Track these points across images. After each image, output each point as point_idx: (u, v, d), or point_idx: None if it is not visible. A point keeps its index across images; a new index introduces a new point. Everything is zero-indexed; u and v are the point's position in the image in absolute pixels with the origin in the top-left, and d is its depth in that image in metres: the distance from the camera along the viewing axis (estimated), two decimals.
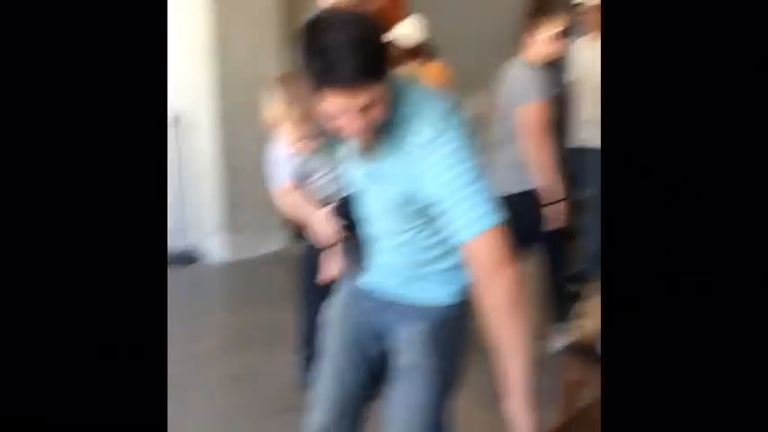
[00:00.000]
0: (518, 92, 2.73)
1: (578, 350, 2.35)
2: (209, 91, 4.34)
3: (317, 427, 1.61)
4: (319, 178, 2.35)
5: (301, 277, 2.78)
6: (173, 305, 4.07)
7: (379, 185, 1.39)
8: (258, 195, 4.51)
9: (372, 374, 1.58)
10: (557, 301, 3.02)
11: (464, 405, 1.72)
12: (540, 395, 1.28)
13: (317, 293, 2.67)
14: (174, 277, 4.37)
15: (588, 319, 2.27)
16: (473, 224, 1.24)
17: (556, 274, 3.01)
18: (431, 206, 1.31)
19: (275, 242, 4.64)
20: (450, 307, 1.46)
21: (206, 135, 4.45)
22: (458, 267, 1.42)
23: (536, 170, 2.74)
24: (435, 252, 1.43)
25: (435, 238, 1.39)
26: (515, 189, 2.73)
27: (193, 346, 3.34)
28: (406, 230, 1.42)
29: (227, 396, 2.94)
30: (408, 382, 1.49)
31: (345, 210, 2.01)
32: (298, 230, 2.53)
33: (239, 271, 4.44)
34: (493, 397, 1.30)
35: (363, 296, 1.58)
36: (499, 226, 1.25)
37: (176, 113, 4.36)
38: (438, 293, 1.47)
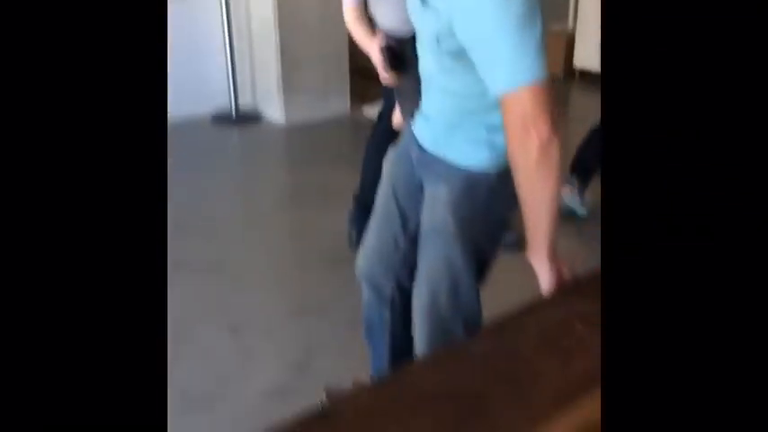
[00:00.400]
0: None
1: None
2: None
3: (360, 273, 1.72)
4: (382, 6, 2.20)
5: (371, 134, 2.82)
6: (236, 162, 4.23)
7: (427, 11, 1.31)
8: (317, 58, 4.52)
9: (407, 229, 1.61)
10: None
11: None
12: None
13: (380, 151, 2.72)
14: (237, 136, 4.51)
15: None
16: (513, 75, 1.18)
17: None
18: (469, 49, 1.23)
19: (334, 106, 4.66)
20: (483, 174, 1.43)
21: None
22: (499, 131, 1.33)
23: None
24: (475, 104, 1.38)
25: (476, 88, 1.31)
26: None
27: (253, 203, 3.50)
28: (447, 72, 1.37)
29: (283, 248, 3.11)
30: (429, 246, 1.51)
31: (400, 49, 1.99)
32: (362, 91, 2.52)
33: (298, 132, 4.52)
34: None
35: (413, 145, 1.56)
36: (541, 82, 1.18)
37: None
38: (473, 155, 1.43)
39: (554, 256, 1.32)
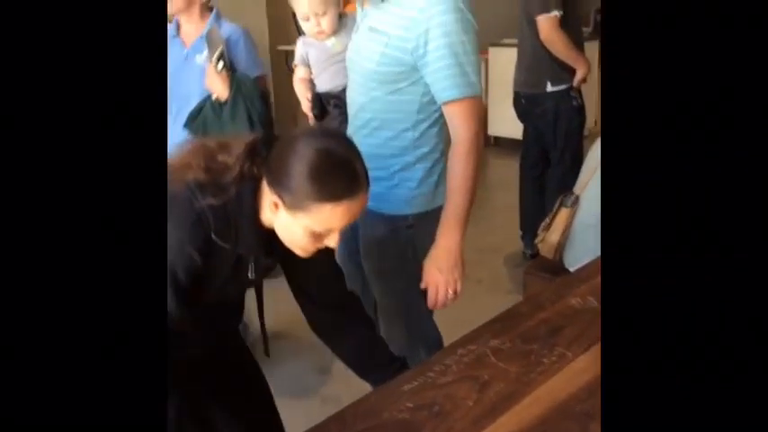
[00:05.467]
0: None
1: (540, 263, 2.59)
2: None
3: None
4: (319, 70, 2.46)
5: None
6: None
7: (373, 36, 1.53)
8: None
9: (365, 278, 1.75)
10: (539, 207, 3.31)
11: None
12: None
13: None
14: None
15: (552, 233, 2.49)
16: (458, 88, 1.46)
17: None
18: (415, 69, 1.48)
19: None
20: (400, 217, 1.60)
21: None
22: (420, 177, 1.58)
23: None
24: (393, 143, 1.57)
25: (400, 123, 1.55)
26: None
27: None
28: (375, 102, 1.56)
29: None
30: (377, 286, 1.68)
31: (326, 99, 2.33)
32: None
33: None
34: None
35: None
36: (479, 98, 1.50)
37: None
38: (388, 200, 1.59)
39: (463, 233, 1.54)
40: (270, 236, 1.18)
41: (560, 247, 2.46)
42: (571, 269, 2.31)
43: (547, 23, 2.95)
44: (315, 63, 2.47)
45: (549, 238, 2.49)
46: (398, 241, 1.61)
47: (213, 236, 1.12)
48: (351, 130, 1.67)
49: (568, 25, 3.00)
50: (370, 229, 1.64)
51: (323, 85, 2.45)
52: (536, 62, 3.11)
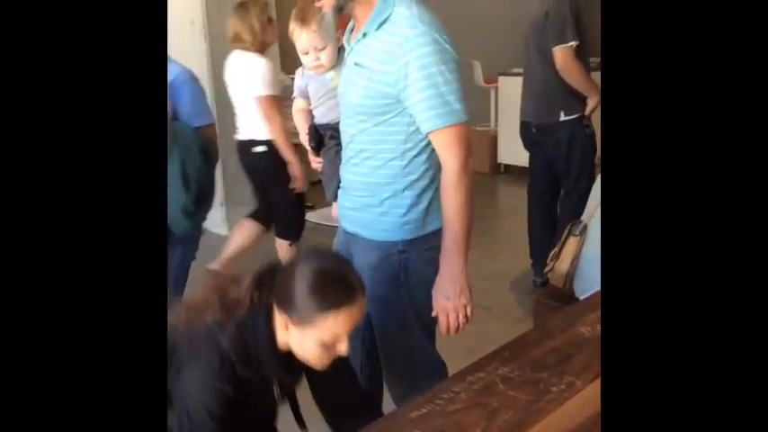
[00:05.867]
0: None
1: (550, 291, 2.59)
2: (203, 71, 4.52)
3: None
4: (318, 102, 2.52)
5: None
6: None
7: (359, 72, 1.58)
8: None
9: None
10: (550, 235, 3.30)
11: None
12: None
13: None
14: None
15: (561, 262, 2.50)
16: (439, 118, 1.50)
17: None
18: (398, 101, 1.53)
19: None
20: (391, 243, 1.64)
21: None
22: (409, 204, 1.62)
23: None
24: (384, 172, 1.61)
25: (388, 153, 1.60)
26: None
27: None
28: (364, 134, 1.61)
29: None
30: (372, 310, 1.68)
31: (323, 131, 2.36)
32: None
33: None
34: None
35: (342, 228, 1.78)
36: (463, 126, 1.53)
37: None
38: (379, 228, 1.64)
39: (463, 266, 1.57)
40: (288, 356, 1.31)
41: (570, 276, 2.46)
42: (581, 298, 2.31)
43: (564, 54, 2.99)
44: (314, 95, 2.53)
45: (559, 267, 2.49)
46: (391, 266, 1.65)
47: (237, 368, 1.25)
48: (344, 160, 1.73)
49: (579, 55, 3.03)
50: (363, 256, 1.67)
51: (321, 118, 2.50)
52: (549, 92, 3.14)
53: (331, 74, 2.32)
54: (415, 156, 1.60)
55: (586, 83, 3.05)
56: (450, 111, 1.51)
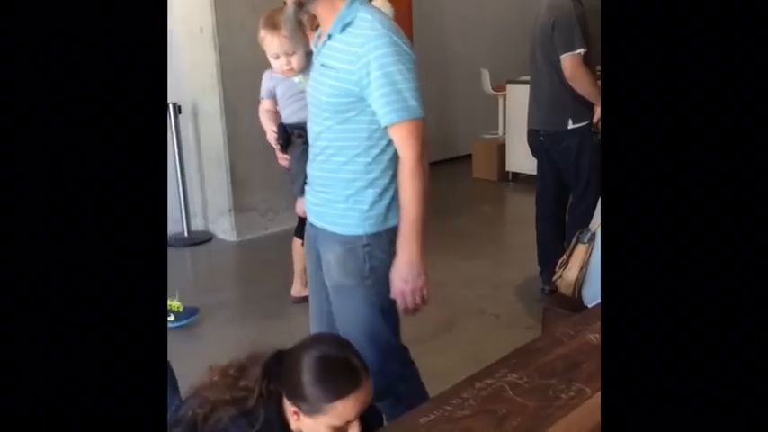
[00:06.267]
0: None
1: (559, 299, 2.58)
2: (213, 79, 4.54)
3: None
4: (286, 103, 2.68)
5: None
6: (191, 280, 4.28)
7: (324, 72, 1.68)
8: (265, 177, 4.76)
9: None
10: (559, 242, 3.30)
11: None
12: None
13: None
14: (190, 256, 4.64)
15: (569, 270, 2.50)
16: (396, 113, 1.61)
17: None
18: (361, 99, 1.63)
19: (284, 220, 4.85)
20: (355, 237, 1.72)
21: (213, 123, 4.66)
22: (371, 200, 1.70)
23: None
24: (348, 168, 1.70)
25: (352, 150, 1.69)
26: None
27: (210, 315, 3.56)
28: (329, 131, 1.70)
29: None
30: (337, 301, 1.80)
31: (290, 131, 2.51)
32: None
33: (249, 249, 4.66)
34: None
35: (309, 223, 1.87)
36: (419, 121, 1.64)
37: (192, 102, 4.59)
38: (344, 222, 1.73)
39: (419, 253, 1.66)
40: None
41: (578, 284, 2.45)
42: (589, 305, 2.30)
43: (572, 61, 3.00)
44: (281, 97, 2.69)
45: (567, 275, 2.48)
46: (355, 259, 1.73)
47: None
48: (311, 158, 1.82)
49: (586, 63, 3.04)
50: (329, 249, 1.77)
51: (289, 118, 2.65)
52: (557, 100, 3.14)
53: (299, 77, 2.41)
54: (378, 153, 1.69)
55: (594, 90, 3.05)
56: (407, 107, 1.62)
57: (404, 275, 1.67)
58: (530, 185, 5.59)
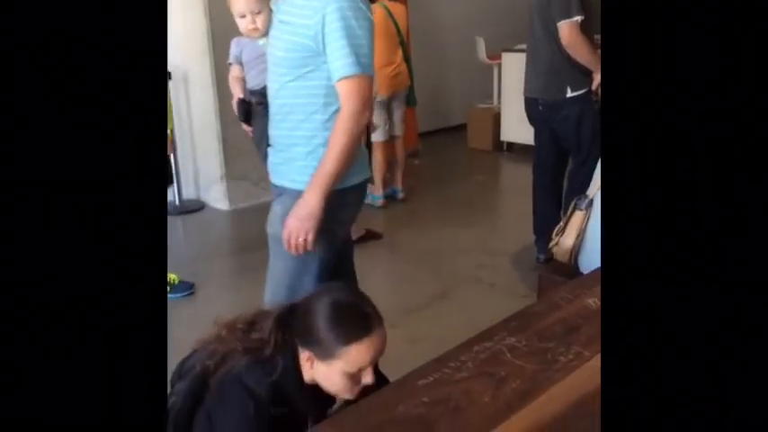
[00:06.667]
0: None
1: (554, 267, 2.57)
2: (204, 46, 4.46)
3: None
4: (249, 67, 2.72)
5: None
6: (184, 248, 4.25)
7: (282, 28, 1.73)
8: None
9: None
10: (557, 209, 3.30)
11: None
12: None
13: None
14: (182, 224, 4.60)
15: (566, 237, 2.48)
16: (348, 67, 1.64)
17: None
18: (318, 54, 1.67)
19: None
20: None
21: (204, 90, 4.59)
22: (318, 155, 1.72)
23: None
24: (304, 126, 1.74)
25: (308, 107, 1.73)
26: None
27: (203, 284, 3.54)
28: (286, 89, 1.74)
29: None
30: (273, 250, 1.84)
31: (252, 101, 2.63)
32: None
33: (241, 217, 4.62)
34: None
35: (272, 184, 1.91)
36: (367, 78, 1.68)
37: (183, 68, 4.52)
38: (299, 177, 1.76)
39: (325, 193, 1.69)
40: (317, 389, 1.34)
41: (575, 251, 2.44)
42: (585, 272, 2.29)
43: (569, 28, 2.96)
44: (246, 61, 2.81)
45: (564, 242, 2.47)
46: None
47: (271, 408, 1.27)
48: (270, 119, 1.86)
49: (584, 30, 3.00)
50: (281, 203, 1.81)
51: (252, 82, 2.70)
52: (556, 68, 3.10)
53: (263, 40, 2.40)
54: (336, 111, 1.71)
55: (593, 58, 3.01)
56: (360, 62, 1.65)
57: (297, 213, 1.70)
58: (524, 155, 5.57)
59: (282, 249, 1.77)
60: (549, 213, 3.35)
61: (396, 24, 4.21)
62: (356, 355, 1.26)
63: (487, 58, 6.17)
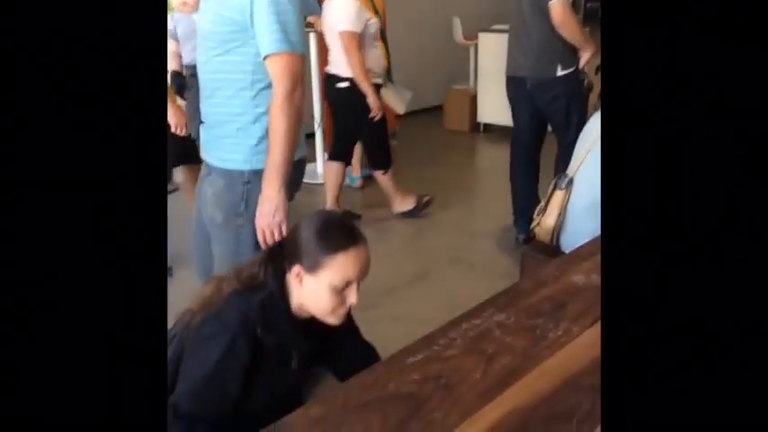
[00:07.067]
0: None
1: (537, 246, 2.58)
2: None
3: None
4: (184, 43, 2.77)
5: None
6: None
7: (208, 2, 1.72)
8: None
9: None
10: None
11: None
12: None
13: None
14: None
15: (547, 217, 2.48)
16: (276, 43, 1.62)
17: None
18: (245, 30, 1.64)
19: None
20: (238, 172, 1.75)
21: None
22: (248, 134, 1.73)
23: None
24: (234, 103, 1.72)
25: (236, 83, 1.70)
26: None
27: (177, 266, 3.49)
28: (214, 63, 1.72)
29: None
30: (214, 234, 1.83)
31: (184, 76, 2.66)
32: None
33: None
34: None
35: (204, 163, 1.89)
36: (297, 56, 1.66)
37: None
38: (229, 156, 1.76)
39: (282, 186, 1.68)
40: (305, 324, 1.36)
41: (556, 231, 2.44)
42: (567, 251, 2.29)
43: (560, 8, 2.97)
44: (182, 37, 2.80)
45: (545, 221, 2.46)
46: (233, 194, 1.76)
47: (258, 330, 1.28)
48: (201, 95, 1.82)
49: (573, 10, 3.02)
50: (212, 185, 1.79)
51: (187, 57, 2.72)
52: (546, 47, 3.11)
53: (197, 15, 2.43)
54: (263, 88, 1.70)
55: (582, 36, 3.05)
56: (286, 39, 1.62)
57: (263, 210, 1.69)
58: (501, 136, 5.57)
59: (219, 233, 1.80)
60: (527, 192, 3.36)
61: (373, 4, 4.16)
62: (343, 263, 1.27)
63: (464, 38, 6.15)
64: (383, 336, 1.68)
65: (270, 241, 1.69)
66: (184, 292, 1.51)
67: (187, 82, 2.70)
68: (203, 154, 1.87)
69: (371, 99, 3.44)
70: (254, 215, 1.72)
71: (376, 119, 3.51)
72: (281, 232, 1.69)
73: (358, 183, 4.42)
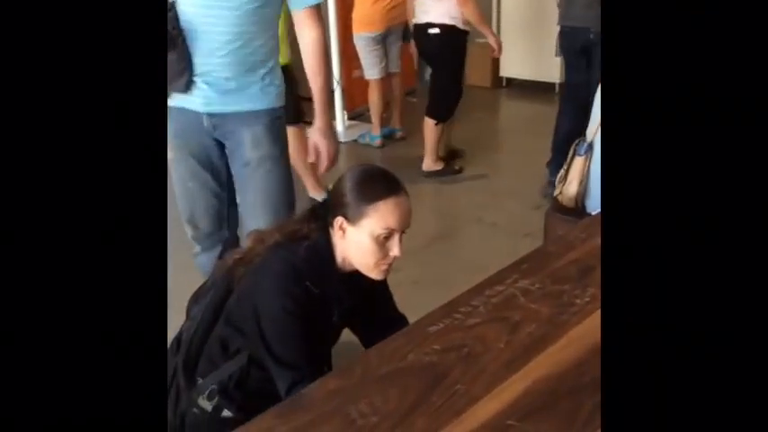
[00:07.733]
0: None
1: (560, 209, 2.51)
2: None
3: (201, 246, 2.11)
4: None
5: None
6: None
7: None
8: None
9: (220, 181, 2.01)
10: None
11: None
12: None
13: None
14: None
15: (569, 184, 2.41)
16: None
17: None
18: None
19: None
20: (273, 110, 1.94)
21: None
22: (274, 78, 1.93)
23: None
24: (257, 54, 1.88)
25: (258, 41, 1.86)
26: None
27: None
28: (251, 13, 1.82)
29: None
30: (264, 170, 1.93)
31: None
32: None
33: None
34: None
35: (200, 117, 1.90)
36: (319, 7, 1.92)
37: None
38: (263, 98, 1.92)
39: (330, 127, 2.02)
40: (348, 280, 1.39)
41: (580, 196, 2.37)
42: (593, 214, 2.23)
43: None
44: None
45: (567, 189, 2.39)
46: (277, 129, 1.96)
47: (306, 278, 1.31)
48: (212, 52, 1.83)
49: None
50: (250, 127, 1.90)
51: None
52: None
53: None
54: (275, 33, 1.92)
55: None
56: None
57: (321, 135, 1.96)
58: (524, 91, 5.45)
59: (278, 168, 1.95)
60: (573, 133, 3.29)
61: None
62: (384, 212, 1.30)
63: None
64: (405, 298, 1.64)
65: (325, 164, 1.98)
66: (182, 281, 1.49)
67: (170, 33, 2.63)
68: (213, 106, 1.88)
69: (493, 40, 3.72)
70: (286, 147, 1.98)
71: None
72: (335, 155, 2.00)
73: (377, 141, 4.35)
